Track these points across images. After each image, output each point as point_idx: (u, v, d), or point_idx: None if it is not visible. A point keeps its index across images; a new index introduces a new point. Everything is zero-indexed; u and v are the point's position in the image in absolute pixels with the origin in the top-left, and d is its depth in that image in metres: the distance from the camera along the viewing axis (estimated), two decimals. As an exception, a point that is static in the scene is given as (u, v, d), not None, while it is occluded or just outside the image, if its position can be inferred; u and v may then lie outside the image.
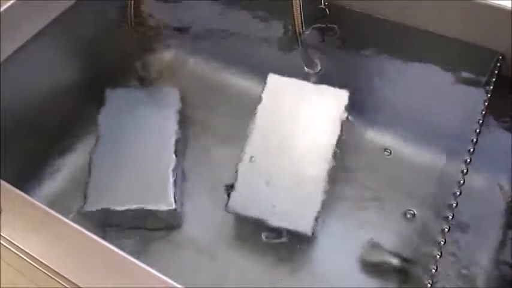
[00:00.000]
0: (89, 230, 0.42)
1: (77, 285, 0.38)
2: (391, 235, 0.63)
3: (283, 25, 0.68)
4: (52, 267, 0.39)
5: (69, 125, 0.73)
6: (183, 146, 0.71)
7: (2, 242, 0.40)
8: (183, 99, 0.72)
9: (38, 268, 0.39)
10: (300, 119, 0.63)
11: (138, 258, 0.40)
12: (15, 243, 0.40)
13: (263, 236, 0.60)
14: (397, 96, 0.69)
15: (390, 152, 0.70)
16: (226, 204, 0.59)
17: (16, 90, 0.61)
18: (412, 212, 0.65)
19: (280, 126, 0.62)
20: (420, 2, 0.55)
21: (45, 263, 0.39)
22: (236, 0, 0.70)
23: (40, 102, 0.66)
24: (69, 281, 0.38)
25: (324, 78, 0.66)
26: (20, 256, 0.40)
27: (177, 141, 0.66)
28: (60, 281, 0.38)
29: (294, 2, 0.59)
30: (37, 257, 0.39)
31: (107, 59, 0.75)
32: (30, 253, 0.40)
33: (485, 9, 0.52)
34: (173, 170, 0.63)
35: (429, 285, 0.45)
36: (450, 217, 0.46)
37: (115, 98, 0.70)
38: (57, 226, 0.42)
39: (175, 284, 0.38)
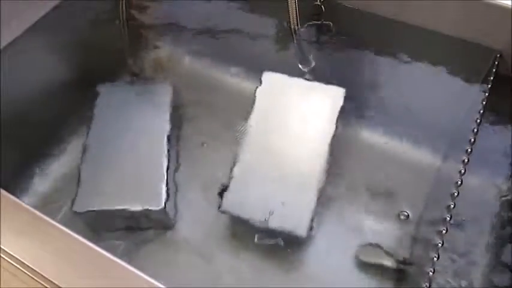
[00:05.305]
0: (79, 231, 0.41)
1: (65, 290, 0.37)
2: (386, 236, 0.63)
3: (279, 22, 0.68)
4: (39, 271, 0.38)
5: (60, 122, 0.73)
6: (176, 144, 0.71)
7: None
8: (176, 96, 0.71)
9: (25, 272, 0.38)
10: (296, 117, 0.62)
11: (130, 259, 0.39)
12: (2, 247, 0.39)
13: (257, 236, 0.60)
14: (393, 95, 0.69)
15: (386, 151, 0.69)
16: (220, 205, 0.59)
17: (5, 87, 0.60)
18: (406, 213, 0.64)
19: (275, 125, 0.62)
20: (417, 0, 0.55)
21: (32, 267, 0.38)
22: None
23: (30, 99, 0.65)
24: (57, 286, 0.37)
25: (318, 76, 0.65)
26: (7, 260, 0.39)
27: (169, 139, 0.65)
28: (48, 286, 0.37)
29: (289, -2, 0.59)
30: (24, 261, 0.38)
31: (100, 55, 0.74)
32: (17, 257, 0.39)
33: (484, 7, 0.52)
34: (165, 169, 0.62)
35: (426, 287, 0.44)
36: (448, 218, 0.45)
37: (107, 94, 0.69)
38: (45, 228, 0.41)
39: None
